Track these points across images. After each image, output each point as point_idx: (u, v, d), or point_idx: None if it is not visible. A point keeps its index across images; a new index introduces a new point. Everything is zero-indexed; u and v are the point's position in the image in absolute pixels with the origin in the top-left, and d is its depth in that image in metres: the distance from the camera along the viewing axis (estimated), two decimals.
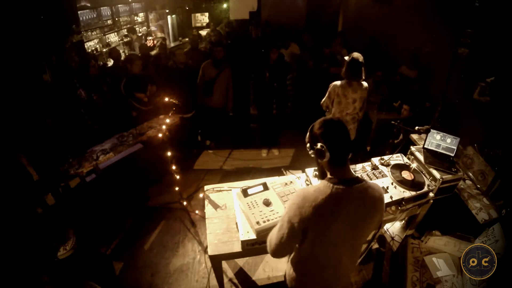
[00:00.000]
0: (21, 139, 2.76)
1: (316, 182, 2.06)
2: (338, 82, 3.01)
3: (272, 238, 1.38)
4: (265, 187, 2.05)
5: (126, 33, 6.77)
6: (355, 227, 1.30)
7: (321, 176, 1.38)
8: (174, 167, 3.00)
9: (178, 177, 3.06)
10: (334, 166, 1.27)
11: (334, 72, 4.40)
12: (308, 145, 1.32)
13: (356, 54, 2.92)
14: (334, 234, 1.26)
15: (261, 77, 3.86)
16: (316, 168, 2.13)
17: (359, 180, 1.27)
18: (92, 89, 3.87)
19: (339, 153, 1.24)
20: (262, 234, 1.81)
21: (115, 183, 3.35)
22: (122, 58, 5.17)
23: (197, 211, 3.32)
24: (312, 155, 1.32)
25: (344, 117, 3.19)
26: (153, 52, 5.80)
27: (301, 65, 5.25)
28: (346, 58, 2.99)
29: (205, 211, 2.18)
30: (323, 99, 3.19)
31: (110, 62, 5.54)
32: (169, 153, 2.94)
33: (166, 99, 2.97)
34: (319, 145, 1.24)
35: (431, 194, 2.20)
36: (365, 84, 3.05)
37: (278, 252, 1.39)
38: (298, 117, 4.69)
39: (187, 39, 8.15)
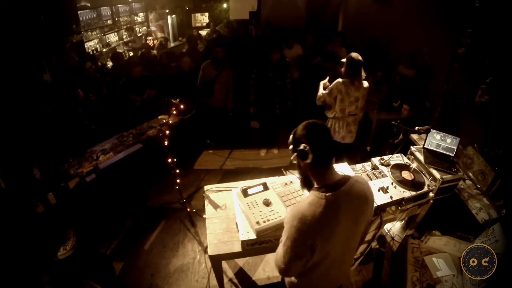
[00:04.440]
0: (22, 133, 2.76)
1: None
2: (340, 80, 3.01)
3: (279, 262, 1.31)
4: (265, 187, 2.04)
5: (125, 32, 6.77)
6: (355, 225, 1.31)
7: (304, 183, 1.36)
8: (174, 167, 3.00)
9: (178, 177, 3.06)
10: (318, 169, 1.25)
11: (329, 67, 4.43)
12: (290, 147, 1.30)
13: (354, 54, 2.94)
14: (339, 239, 1.26)
15: (263, 77, 3.86)
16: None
17: (345, 179, 1.26)
18: (90, 89, 3.88)
19: (322, 155, 1.23)
20: (262, 234, 1.81)
21: (115, 183, 3.35)
22: (125, 58, 5.18)
23: (196, 211, 3.32)
24: (294, 161, 1.30)
25: (346, 118, 3.18)
26: (154, 52, 5.80)
27: (304, 65, 5.25)
28: (344, 60, 3.00)
29: (205, 211, 2.18)
30: (320, 94, 3.16)
31: (110, 63, 5.56)
32: (169, 153, 2.94)
33: (166, 99, 2.98)
34: (302, 146, 1.22)
35: (431, 194, 2.20)
36: (365, 83, 3.07)
37: (288, 272, 1.35)
38: (298, 116, 4.69)
39: None
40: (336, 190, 1.22)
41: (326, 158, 1.24)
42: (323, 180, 1.26)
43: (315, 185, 1.28)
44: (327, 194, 1.20)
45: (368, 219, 1.42)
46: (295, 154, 1.27)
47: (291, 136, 1.31)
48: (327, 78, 3.18)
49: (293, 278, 1.44)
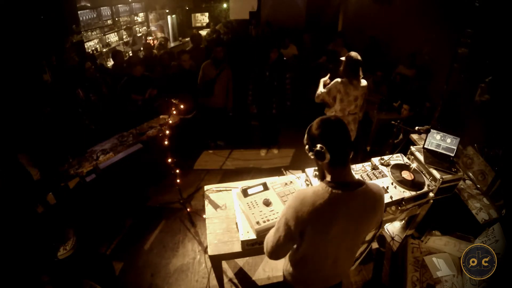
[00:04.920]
0: (21, 133, 2.76)
1: (316, 183, 2.06)
2: (339, 79, 3.02)
3: (269, 240, 1.35)
4: (265, 187, 2.04)
5: (125, 33, 6.76)
6: (354, 229, 1.29)
7: (321, 178, 1.35)
8: (174, 167, 3.00)
9: (178, 177, 3.06)
10: (334, 168, 1.23)
11: (331, 67, 4.43)
12: (306, 147, 1.27)
13: (353, 53, 2.95)
14: (332, 236, 1.24)
15: (261, 76, 3.87)
16: (316, 168, 2.12)
17: (360, 183, 1.23)
18: (90, 89, 3.88)
19: (340, 154, 1.20)
20: (262, 234, 1.80)
21: (115, 183, 3.35)
22: (125, 58, 5.17)
23: (196, 211, 3.32)
24: (312, 157, 1.28)
25: (346, 117, 3.19)
26: (154, 51, 5.80)
27: (300, 65, 5.27)
28: (343, 58, 3.01)
29: (205, 211, 2.18)
30: (319, 92, 3.16)
31: (110, 63, 5.56)
32: (169, 153, 2.94)
33: (167, 99, 2.98)
34: (318, 146, 1.19)
35: (431, 194, 2.20)
36: (364, 82, 3.07)
37: (274, 254, 1.37)
38: (297, 117, 4.70)
39: (187, 39, 8.16)
40: (345, 190, 1.19)
41: (344, 156, 1.21)
42: (338, 178, 1.23)
43: (327, 179, 1.25)
44: (334, 191, 1.18)
45: (370, 228, 1.39)
46: (311, 153, 1.24)
47: (306, 135, 1.28)
48: (328, 75, 3.18)
49: (289, 267, 1.47)
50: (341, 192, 1.18)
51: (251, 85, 3.98)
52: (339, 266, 1.44)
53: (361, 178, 1.29)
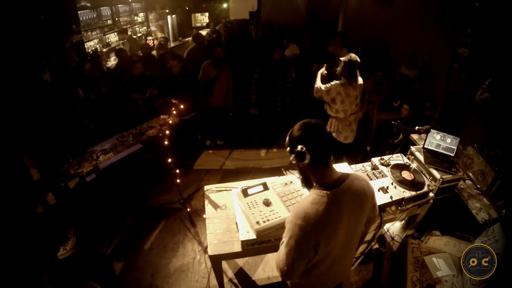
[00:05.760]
0: (21, 133, 2.76)
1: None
2: (338, 81, 3.02)
3: (282, 266, 1.27)
4: (265, 187, 2.05)
5: (118, 35, 6.71)
6: (356, 221, 1.33)
7: (304, 182, 1.37)
8: (174, 167, 3.00)
9: (178, 177, 3.06)
10: (316, 168, 1.27)
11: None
12: (288, 149, 1.31)
13: (352, 55, 2.96)
14: (341, 236, 1.27)
15: (264, 77, 3.86)
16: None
17: (344, 177, 1.28)
18: (90, 88, 3.88)
19: (320, 154, 1.24)
20: (262, 234, 1.81)
21: (115, 183, 3.35)
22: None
23: (196, 211, 3.32)
24: (293, 161, 1.30)
25: (348, 118, 3.19)
26: (154, 52, 5.79)
27: (300, 65, 5.27)
28: (342, 59, 3.00)
29: (205, 211, 2.18)
30: (317, 87, 3.12)
31: (110, 62, 5.55)
32: (169, 153, 2.95)
33: (166, 99, 2.98)
34: (299, 147, 1.23)
35: (431, 194, 2.20)
36: (360, 80, 3.08)
37: (288, 275, 1.30)
38: (297, 116, 4.70)
39: (187, 39, 8.15)
40: (336, 187, 1.23)
41: (324, 157, 1.25)
42: (323, 179, 1.26)
43: (315, 184, 1.29)
44: (329, 192, 1.21)
45: (369, 215, 1.42)
46: (293, 155, 1.27)
47: (287, 138, 1.32)
48: (325, 66, 3.18)
49: None
50: (335, 191, 1.23)
51: (253, 86, 3.97)
52: (345, 262, 1.46)
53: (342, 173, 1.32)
